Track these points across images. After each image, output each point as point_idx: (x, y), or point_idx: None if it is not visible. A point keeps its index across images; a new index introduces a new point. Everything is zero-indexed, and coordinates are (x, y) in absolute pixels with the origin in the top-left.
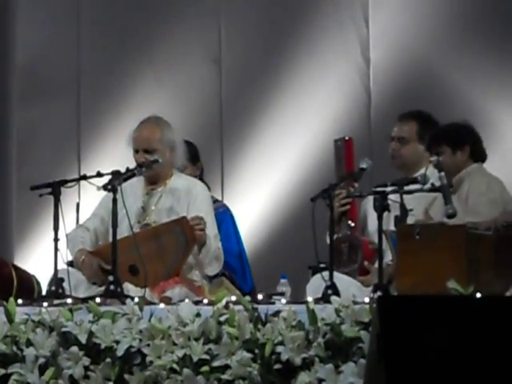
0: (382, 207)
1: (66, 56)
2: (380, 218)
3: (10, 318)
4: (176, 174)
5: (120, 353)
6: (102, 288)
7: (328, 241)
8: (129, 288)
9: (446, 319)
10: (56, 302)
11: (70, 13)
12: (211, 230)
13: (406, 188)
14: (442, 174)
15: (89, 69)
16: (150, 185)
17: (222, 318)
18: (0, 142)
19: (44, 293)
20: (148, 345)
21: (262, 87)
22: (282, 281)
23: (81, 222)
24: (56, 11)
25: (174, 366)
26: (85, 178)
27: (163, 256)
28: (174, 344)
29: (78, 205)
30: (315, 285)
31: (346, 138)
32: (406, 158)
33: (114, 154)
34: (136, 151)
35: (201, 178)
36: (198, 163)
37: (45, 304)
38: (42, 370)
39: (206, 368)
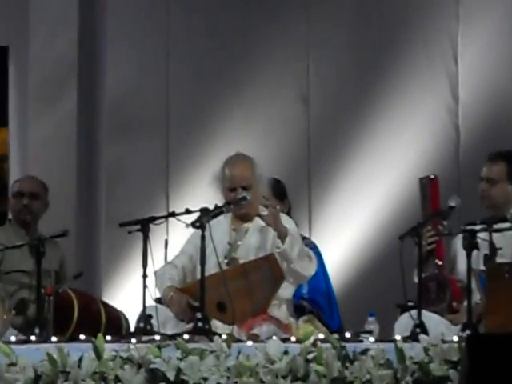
0: (470, 245)
1: (155, 93)
2: (469, 257)
3: (98, 354)
4: (263, 210)
5: None
6: (190, 325)
7: (416, 279)
8: (217, 325)
9: None
10: (144, 338)
11: (159, 51)
12: None
13: (496, 226)
14: None
15: (177, 107)
16: (241, 217)
17: (310, 356)
18: (89, 179)
19: (132, 329)
20: (236, 382)
21: (350, 126)
22: (370, 319)
23: (169, 259)
24: (145, 49)
25: None
26: (173, 214)
27: (251, 293)
28: (262, 382)
29: (166, 241)
30: (403, 323)
31: (431, 176)
32: (496, 198)
33: (202, 191)
34: (232, 189)
35: (288, 215)
36: (285, 200)
37: (133, 340)
38: None
39: None
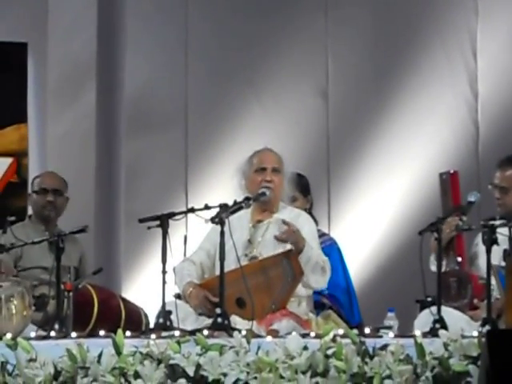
0: (490, 241)
1: (173, 89)
2: (488, 252)
3: (118, 350)
4: (282, 206)
5: None
6: (210, 320)
7: (433, 267)
8: (236, 321)
9: None
10: (164, 334)
11: (177, 46)
12: None
13: None
14: None
15: (196, 101)
16: (259, 214)
17: (330, 352)
18: (108, 175)
19: (152, 325)
20: (255, 378)
21: (369, 120)
22: (390, 314)
23: (188, 255)
24: (164, 44)
25: None
26: (192, 210)
27: (270, 289)
28: (282, 377)
29: (185, 237)
30: (423, 320)
31: (452, 171)
32: (511, 206)
33: (221, 186)
34: (262, 169)
35: (310, 212)
36: (308, 196)
37: (153, 336)
38: None
39: None
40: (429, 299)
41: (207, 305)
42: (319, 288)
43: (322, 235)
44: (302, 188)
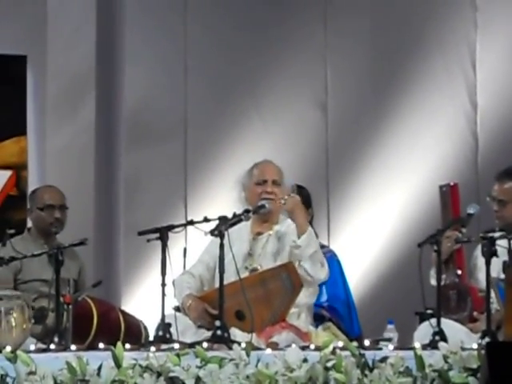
0: (489, 253)
1: (172, 101)
2: (488, 264)
3: (117, 362)
4: (282, 218)
5: None
6: (209, 333)
7: (433, 281)
8: (235, 333)
9: None
10: (163, 346)
11: (176, 59)
12: None
13: None
14: None
15: (196, 114)
16: (259, 226)
17: (329, 364)
18: (108, 188)
19: (151, 338)
20: None
21: (368, 132)
22: (389, 326)
23: (188, 267)
24: (163, 57)
25: None
26: (192, 223)
27: (269, 301)
28: None
29: (185, 250)
30: (423, 332)
31: (452, 183)
32: (510, 219)
33: (221, 199)
34: (263, 182)
35: (310, 224)
36: (309, 209)
37: (152, 349)
38: None
39: None
40: (428, 311)
41: (206, 317)
42: (315, 277)
43: (321, 247)
44: (304, 200)
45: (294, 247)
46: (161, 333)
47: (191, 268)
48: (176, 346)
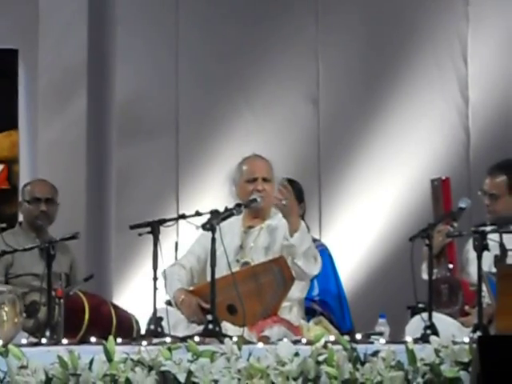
0: (481, 247)
1: (164, 96)
2: (479, 258)
3: (109, 356)
4: (274, 212)
5: None
6: (201, 327)
7: (424, 275)
8: (227, 327)
9: None
10: (155, 340)
11: (168, 53)
12: None
13: (506, 227)
14: None
15: (187, 108)
16: (250, 220)
17: (321, 358)
18: (99, 182)
19: (143, 332)
20: None
21: (360, 127)
22: (381, 320)
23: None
24: (154, 51)
25: None
26: (184, 217)
27: (261, 295)
28: (273, 383)
29: (176, 244)
30: (414, 326)
31: (443, 177)
32: (501, 213)
33: (212, 192)
34: (253, 180)
35: (302, 219)
36: (301, 203)
37: (144, 343)
38: None
39: None
40: (420, 305)
41: (199, 313)
42: (308, 273)
43: (313, 241)
44: (296, 194)
45: (288, 246)
46: (152, 327)
47: (182, 259)
48: (167, 339)
